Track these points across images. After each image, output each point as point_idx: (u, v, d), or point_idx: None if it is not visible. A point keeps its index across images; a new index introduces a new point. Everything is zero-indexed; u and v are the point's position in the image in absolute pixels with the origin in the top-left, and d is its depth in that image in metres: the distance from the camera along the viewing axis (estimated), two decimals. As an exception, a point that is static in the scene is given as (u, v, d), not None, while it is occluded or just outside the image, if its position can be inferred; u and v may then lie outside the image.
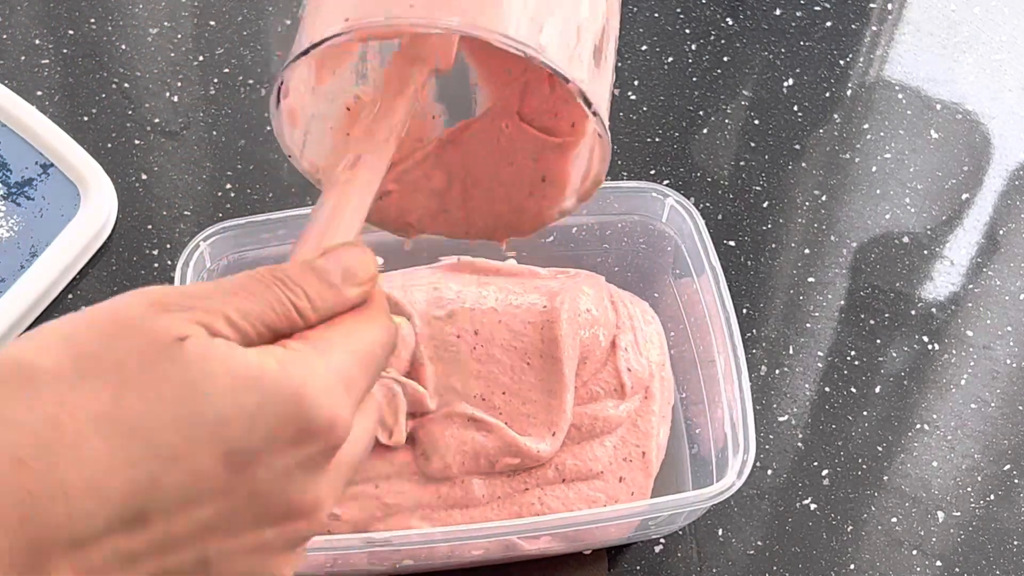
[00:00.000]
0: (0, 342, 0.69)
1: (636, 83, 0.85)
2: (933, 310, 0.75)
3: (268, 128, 0.74)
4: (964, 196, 0.81)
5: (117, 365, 0.29)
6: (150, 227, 0.76)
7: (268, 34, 0.86)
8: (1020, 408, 0.71)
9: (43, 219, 0.73)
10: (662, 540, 0.65)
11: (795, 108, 0.84)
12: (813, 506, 0.66)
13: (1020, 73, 0.88)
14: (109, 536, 0.28)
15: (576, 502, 0.61)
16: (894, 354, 0.72)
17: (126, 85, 0.82)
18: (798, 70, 0.86)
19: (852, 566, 0.64)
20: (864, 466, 0.68)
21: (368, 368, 0.34)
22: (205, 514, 0.30)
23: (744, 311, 0.73)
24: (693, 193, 0.78)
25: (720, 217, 0.78)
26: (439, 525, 0.60)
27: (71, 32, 0.85)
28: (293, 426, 0.31)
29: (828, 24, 0.89)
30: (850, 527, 0.65)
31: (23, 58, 0.83)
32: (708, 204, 0.78)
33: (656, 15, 0.89)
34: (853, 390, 0.71)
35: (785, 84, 0.86)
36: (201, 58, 0.84)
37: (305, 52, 0.38)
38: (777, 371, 0.71)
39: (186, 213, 0.76)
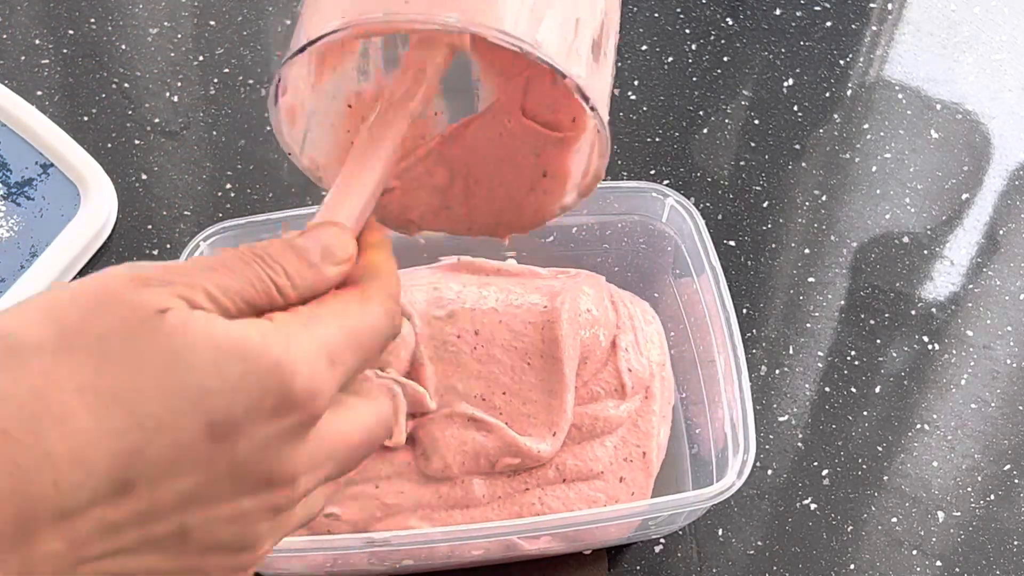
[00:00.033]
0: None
1: (636, 83, 0.85)
2: (933, 310, 0.75)
3: (268, 128, 0.74)
4: (964, 196, 0.81)
5: (99, 337, 0.29)
6: (150, 227, 0.76)
7: (268, 34, 0.86)
8: (1020, 408, 0.71)
9: (43, 219, 0.73)
10: (662, 540, 0.65)
11: (795, 108, 0.84)
12: (813, 506, 0.66)
13: (1020, 73, 0.88)
14: (94, 506, 0.29)
15: (576, 502, 0.61)
16: (894, 354, 0.72)
17: (126, 85, 0.82)
18: (798, 70, 0.86)
19: (852, 566, 0.64)
20: (864, 466, 0.68)
21: (357, 345, 0.34)
22: (187, 484, 0.30)
23: (744, 311, 0.73)
24: (693, 193, 0.79)
25: (720, 217, 0.78)
26: (439, 525, 0.60)
27: (71, 32, 0.85)
28: (274, 396, 0.31)
29: (828, 24, 0.89)
30: (850, 527, 0.65)
31: (23, 58, 0.83)
32: (708, 204, 0.78)
33: (656, 15, 0.89)
34: (853, 390, 0.71)
35: (785, 84, 0.86)
36: (201, 58, 0.84)
37: (302, 49, 0.38)
38: (777, 371, 0.71)
39: (186, 213, 0.76)
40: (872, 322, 0.74)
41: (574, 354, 0.62)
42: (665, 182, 0.79)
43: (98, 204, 0.74)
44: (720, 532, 0.65)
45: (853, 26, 0.90)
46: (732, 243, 0.77)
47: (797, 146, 0.82)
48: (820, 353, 0.72)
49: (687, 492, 0.61)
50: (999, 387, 0.71)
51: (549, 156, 0.46)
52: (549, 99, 0.46)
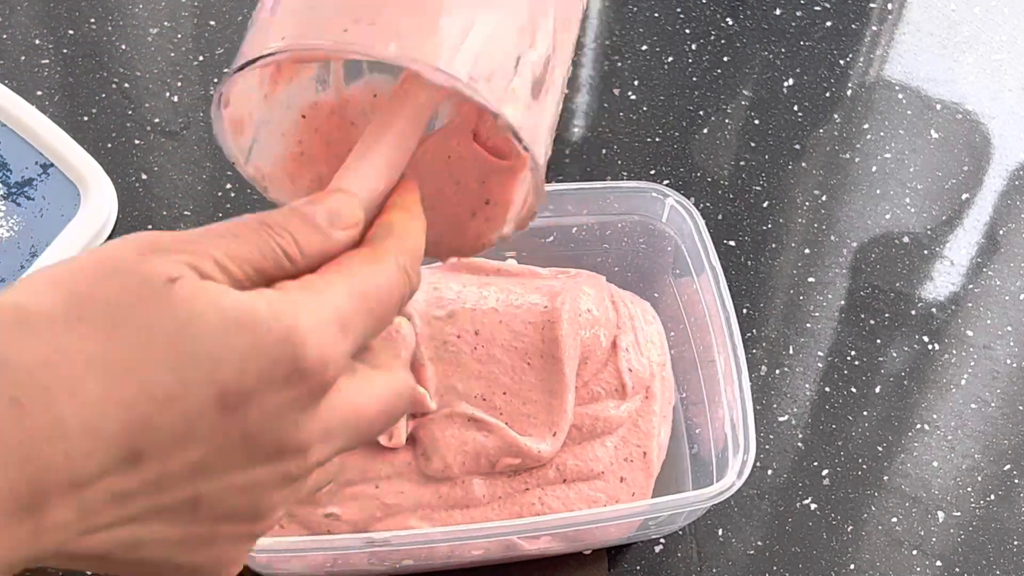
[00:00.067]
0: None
1: (636, 83, 0.85)
2: (933, 310, 0.75)
3: (268, 128, 0.74)
4: (964, 196, 0.81)
5: (109, 307, 0.29)
6: (150, 227, 0.76)
7: (268, 34, 0.86)
8: (1020, 408, 0.71)
9: (43, 219, 0.73)
10: (662, 540, 0.65)
11: (795, 108, 0.84)
12: (813, 506, 0.66)
13: (1020, 73, 0.88)
14: (105, 476, 0.29)
15: (577, 502, 0.61)
16: (894, 354, 0.72)
17: (126, 85, 0.82)
18: (798, 70, 0.86)
19: (852, 566, 0.64)
20: (864, 466, 0.68)
21: (367, 308, 0.34)
22: (198, 454, 0.30)
23: (744, 311, 0.73)
24: (693, 193, 0.79)
25: (720, 217, 0.78)
26: (439, 525, 0.60)
27: (71, 32, 0.85)
28: (284, 366, 0.31)
29: (828, 24, 0.90)
30: (850, 527, 0.65)
31: (23, 58, 0.83)
32: (708, 204, 0.78)
33: (656, 15, 0.89)
34: (853, 390, 0.71)
35: (785, 84, 0.86)
36: (201, 58, 0.84)
37: (240, 69, 0.38)
38: (777, 371, 0.71)
39: (186, 213, 0.76)
40: (872, 322, 0.74)
41: (574, 354, 0.62)
42: (665, 182, 0.79)
43: (98, 204, 0.74)
44: (720, 532, 0.65)
45: (853, 26, 0.90)
46: (732, 243, 0.77)
47: (797, 146, 0.82)
48: (820, 353, 0.72)
49: (687, 492, 0.61)
50: (999, 387, 0.71)
51: (493, 184, 0.45)
52: (496, 127, 0.45)
